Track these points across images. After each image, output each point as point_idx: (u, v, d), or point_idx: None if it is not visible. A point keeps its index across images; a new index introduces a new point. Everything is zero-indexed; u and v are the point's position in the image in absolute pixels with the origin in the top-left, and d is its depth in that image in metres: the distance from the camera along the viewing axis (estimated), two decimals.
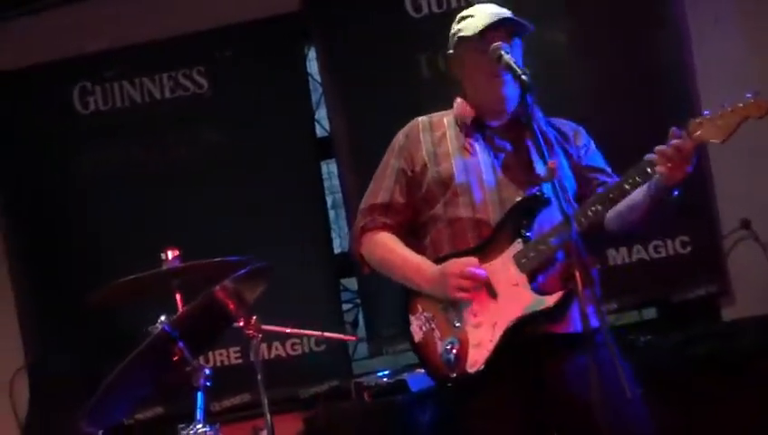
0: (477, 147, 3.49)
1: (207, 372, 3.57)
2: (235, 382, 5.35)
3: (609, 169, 3.57)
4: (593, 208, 3.28)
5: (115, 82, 5.75)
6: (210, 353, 5.50)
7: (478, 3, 3.58)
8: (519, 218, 3.36)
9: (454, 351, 3.31)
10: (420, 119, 3.62)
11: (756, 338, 4.75)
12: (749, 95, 3.08)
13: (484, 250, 3.38)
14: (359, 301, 5.79)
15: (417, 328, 3.44)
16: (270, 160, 5.65)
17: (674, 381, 4.58)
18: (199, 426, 3.40)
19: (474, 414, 3.34)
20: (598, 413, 2.98)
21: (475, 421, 3.34)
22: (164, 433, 4.80)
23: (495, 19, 3.42)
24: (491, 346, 3.30)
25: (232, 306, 3.67)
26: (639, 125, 5.18)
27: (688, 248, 5.36)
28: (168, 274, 3.92)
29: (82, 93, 5.77)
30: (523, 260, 3.33)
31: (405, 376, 4.88)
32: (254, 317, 3.81)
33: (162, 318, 3.61)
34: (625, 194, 3.27)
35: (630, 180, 3.25)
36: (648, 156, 3.22)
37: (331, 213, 5.82)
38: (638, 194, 3.30)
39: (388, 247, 3.52)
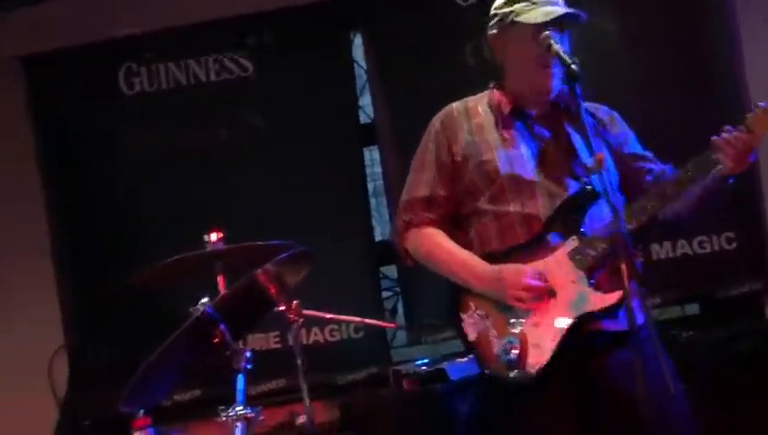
0: (518, 137, 3.45)
1: (248, 355, 3.57)
2: (273, 367, 5.35)
3: (649, 154, 3.53)
4: (651, 204, 3.24)
5: (160, 63, 5.75)
6: (248, 337, 5.50)
7: None
8: (570, 214, 3.33)
9: (514, 351, 3.29)
10: (454, 105, 3.58)
11: None
12: None
13: (536, 246, 3.34)
14: (398, 289, 5.77)
15: (470, 326, 3.41)
16: (312, 146, 5.64)
17: (716, 377, 4.54)
18: (240, 408, 3.39)
19: (534, 413, 3.31)
20: (641, 408, 2.95)
21: (535, 420, 3.31)
22: (201, 415, 4.83)
23: (558, 15, 3.36)
24: (552, 345, 3.27)
25: (273, 290, 3.66)
26: (686, 116, 5.16)
27: (734, 244, 5.31)
28: (211, 256, 3.93)
29: (128, 74, 5.78)
30: (578, 257, 3.29)
31: (444, 365, 4.86)
32: (296, 302, 3.80)
33: (204, 300, 3.61)
34: (684, 190, 3.23)
35: (689, 174, 3.21)
36: (708, 151, 3.19)
37: (372, 200, 5.81)
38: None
39: (434, 243, 3.49)
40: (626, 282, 2.99)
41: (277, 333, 5.54)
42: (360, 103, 5.83)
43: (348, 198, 5.64)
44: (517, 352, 3.28)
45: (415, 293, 5.57)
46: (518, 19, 3.43)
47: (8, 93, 5.78)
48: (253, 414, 3.43)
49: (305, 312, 3.79)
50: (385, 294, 5.77)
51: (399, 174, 5.41)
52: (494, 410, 3.47)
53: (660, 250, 5.35)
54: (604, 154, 3.36)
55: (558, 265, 3.31)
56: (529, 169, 3.40)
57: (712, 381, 4.45)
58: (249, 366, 3.57)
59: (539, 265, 3.32)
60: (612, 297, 3.22)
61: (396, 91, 5.60)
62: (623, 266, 3.00)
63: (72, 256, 5.80)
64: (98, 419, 5.38)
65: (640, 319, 3.10)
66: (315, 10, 5.67)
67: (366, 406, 4.85)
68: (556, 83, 3.38)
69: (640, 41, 5.41)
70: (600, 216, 3.29)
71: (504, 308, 3.35)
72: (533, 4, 3.42)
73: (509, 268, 3.34)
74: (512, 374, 3.29)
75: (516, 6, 3.46)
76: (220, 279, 3.95)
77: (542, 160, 3.42)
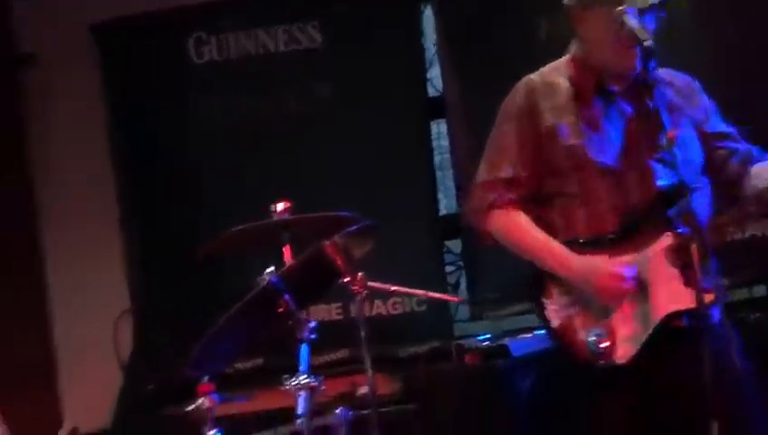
0: (602, 117, 3.39)
1: (312, 325, 3.59)
2: (335, 338, 5.36)
3: (734, 132, 3.47)
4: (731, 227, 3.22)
5: (230, 33, 5.77)
6: (311, 308, 5.52)
7: None
8: (665, 207, 3.27)
9: (603, 343, 3.27)
10: (534, 80, 3.49)
11: None
12: None
13: (629, 238, 3.30)
14: (461, 264, 5.76)
15: (553, 313, 3.38)
16: (379, 118, 5.62)
17: None
18: (304, 377, 3.41)
19: (617, 403, 3.31)
20: (710, 389, 2.93)
21: (618, 410, 3.31)
22: (263, 383, 4.86)
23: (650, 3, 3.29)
24: (643, 338, 3.24)
25: (339, 262, 3.66)
26: (758, 99, 5.07)
27: None
28: (278, 226, 3.93)
29: (198, 43, 5.80)
30: (671, 253, 3.24)
31: (506, 341, 4.85)
32: (360, 273, 3.80)
33: (270, 270, 3.63)
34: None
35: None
36: None
37: (438, 174, 5.79)
38: None
39: (520, 228, 3.44)
40: (696, 261, 2.96)
41: (340, 304, 5.55)
42: (429, 76, 5.80)
43: (413, 171, 5.63)
44: (607, 344, 3.26)
45: (478, 268, 5.56)
46: None
47: (79, 62, 5.83)
48: (316, 383, 3.45)
49: (370, 284, 3.78)
50: (448, 268, 5.77)
51: (467, 148, 5.44)
52: (570, 396, 3.46)
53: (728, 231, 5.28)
54: (687, 132, 3.31)
55: (653, 259, 3.27)
56: (615, 154, 3.34)
57: None
58: (313, 336, 3.60)
59: (630, 259, 3.29)
60: (702, 297, 3.17)
61: (466, 64, 5.56)
62: (694, 246, 2.97)
63: (139, 223, 5.85)
64: (161, 383, 5.44)
65: (717, 315, 3.08)
66: None
67: (427, 380, 4.85)
68: (637, 61, 3.32)
69: (713, 20, 5.33)
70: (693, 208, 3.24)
71: (591, 299, 3.32)
72: None
73: (601, 262, 3.30)
74: (599, 363, 3.27)
75: None
76: (286, 249, 3.96)
77: (627, 143, 3.35)
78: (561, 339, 3.38)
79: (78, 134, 5.83)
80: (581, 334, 3.32)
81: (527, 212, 3.46)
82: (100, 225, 5.82)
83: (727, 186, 3.45)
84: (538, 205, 3.47)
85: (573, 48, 3.50)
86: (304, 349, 3.54)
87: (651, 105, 3.28)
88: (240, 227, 4.00)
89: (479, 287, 5.55)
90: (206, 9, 5.76)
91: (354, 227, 3.59)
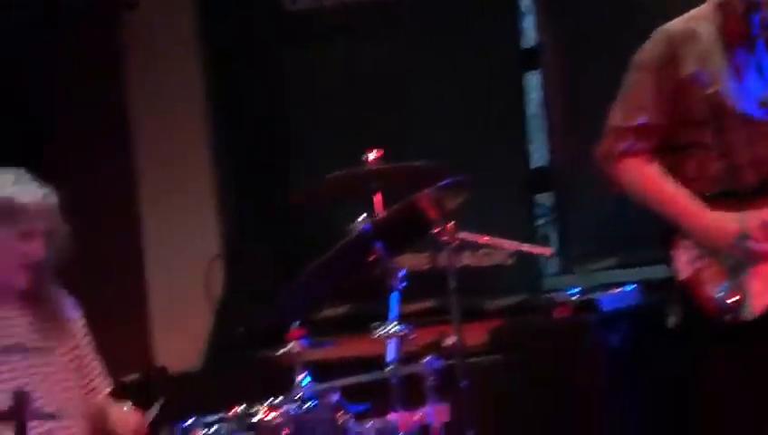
0: (745, 65, 3.30)
1: (402, 273, 3.60)
2: (422, 288, 5.34)
3: None
4: None
5: None
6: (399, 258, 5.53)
7: None
8: None
9: (734, 298, 3.24)
10: (673, 28, 3.41)
11: None
12: None
13: (762, 194, 3.25)
14: (552, 217, 5.72)
15: (682, 265, 3.35)
16: (472, 68, 5.58)
17: None
18: (393, 325, 3.43)
19: (739, 358, 3.29)
20: None
21: (738, 366, 3.29)
22: (351, 330, 4.90)
23: None
24: None
25: (431, 213, 3.67)
26: None
27: None
28: (370, 174, 3.94)
29: None
30: None
31: (596, 295, 4.82)
32: (451, 224, 3.80)
33: (362, 217, 3.64)
34: None
35: None
36: None
37: (531, 126, 5.74)
38: None
39: (650, 179, 3.40)
40: None
41: (428, 254, 5.55)
42: (523, 26, 5.73)
43: (506, 122, 5.58)
44: (736, 298, 3.23)
45: (569, 222, 5.52)
46: None
47: (178, 5, 5.87)
48: (405, 332, 3.47)
49: (461, 235, 3.78)
50: (538, 222, 5.73)
51: (561, 100, 5.38)
52: (666, 351, 3.42)
53: None
54: None
55: None
56: (757, 105, 3.28)
57: None
58: (402, 285, 3.61)
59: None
60: None
61: (560, 14, 5.49)
62: None
63: (233, 167, 5.91)
64: (251, 327, 5.51)
65: None
66: None
67: (515, 332, 4.84)
68: None
69: None
70: None
71: (721, 253, 3.28)
72: None
73: (750, 215, 3.25)
74: (726, 317, 3.24)
75: None
76: (377, 198, 3.97)
77: None
78: (689, 292, 3.34)
79: (174, 78, 5.88)
80: (710, 288, 3.29)
81: (659, 162, 3.40)
82: (195, 169, 5.88)
83: None
84: (671, 155, 3.41)
85: None
86: (394, 297, 3.56)
87: None
88: (332, 175, 4.02)
89: (569, 241, 5.52)
90: None
91: (447, 181, 3.59)
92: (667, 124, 3.38)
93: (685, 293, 3.35)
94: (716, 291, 3.28)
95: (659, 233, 3.40)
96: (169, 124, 5.89)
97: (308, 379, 3.49)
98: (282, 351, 3.54)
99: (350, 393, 3.45)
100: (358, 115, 5.65)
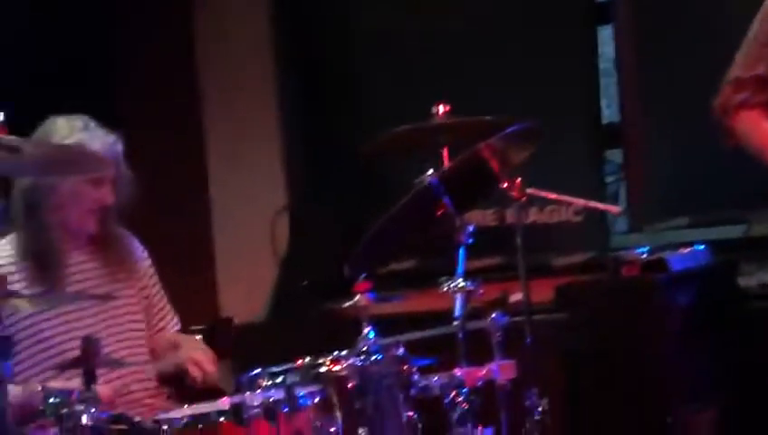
0: None
1: (470, 229, 3.58)
2: (488, 244, 5.32)
3: None
4: None
5: None
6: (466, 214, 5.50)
7: None
8: None
9: None
10: None
11: None
12: None
13: None
14: (621, 175, 5.66)
15: None
16: (543, 23, 5.51)
17: None
18: (460, 281, 3.43)
19: None
20: None
21: None
22: (416, 285, 4.89)
23: None
24: None
25: (497, 166, 3.63)
26: None
27: None
28: (438, 128, 3.92)
29: None
30: None
31: (664, 254, 4.75)
32: (519, 179, 3.76)
33: (429, 172, 3.62)
34: None
35: None
36: None
37: (602, 81, 5.66)
38: None
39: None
40: None
41: (495, 210, 5.52)
42: None
43: (577, 77, 5.52)
44: None
45: (639, 180, 5.45)
46: None
47: None
48: (472, 288, 3.45)
49: (529, 191, 3.74)
50: (608, 179, 5.67)
51: (634, 55, 5.30)
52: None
53: None
54: None
55: None
56: None
57: None
58: (470, 241, 3.59)
59: None
60: None
61: None
62: None
63: (300, 121, 5.91)
64: (316, 280, 5.53)
65: None
66: None
67: (582, 290, 4.80)
68: None
69: None
70: None
71: None
72: None
73: None
74: None
75: None
76: (445, 152, 3.95)
77: None
78: None
79: (243, 31, 5.88)
80: None
81: None
82: (262, 122, 5.90)
83: None
84: None
85: None
86: (461, 252, 3.55)
87: None
88: (400, 128, 4.00)
89: (639, 199, 5.45)
90: None
91: (513, 129, 3.55)
92: None
93: None
94: None
95: (738, 194, 3.33)
96: (237, 77, 5.90)
97: (372, 333, 3.49)
98: (347, 304, 3.54)
99: (415, 348, 3.44)
100: (427, 70, 5.61)
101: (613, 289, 4.72)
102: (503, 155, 3.62)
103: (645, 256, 4.75)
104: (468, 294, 3.48)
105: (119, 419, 3.15)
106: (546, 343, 3.66)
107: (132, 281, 3.84)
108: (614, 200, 5.65)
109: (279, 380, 3.16)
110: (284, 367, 3.21)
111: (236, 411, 3.04)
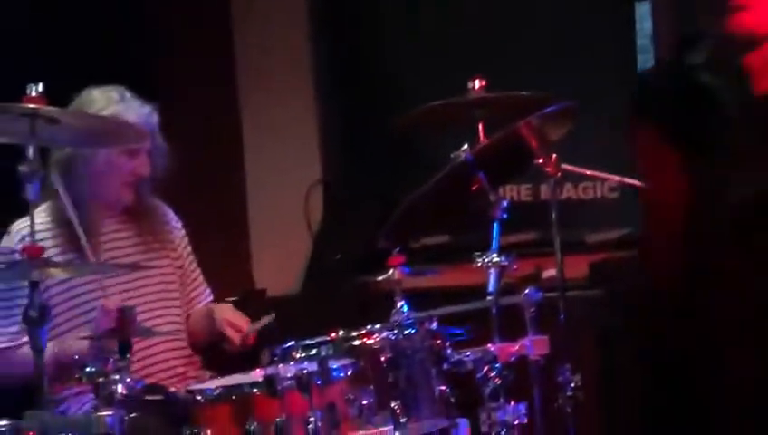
0: None
1: (505, 204, 3.58)
2: (522, 219, 5.31)
3: None
4: None
5: None
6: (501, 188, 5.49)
7: None
8: None
9: None
10: None
11: None
12: None
13: None
14: None
15: None
16: None
17: None
18: (495, 256, 3.42)
19: None
20: None
21: None
22: (449, 260, 4.89)
23: None
24: None
25: (534, 143, 3.63)
26: None
27: None
28: (474, 102, 3.92)
29: None
30: None
31: None
32: (555, 155, 3.75)
33: (464, 147, 3.62)
34: None
35: None
36: None
37: (640, 57, 5.62)
38: None
39: None
40: None
41: (529, 185, 5.51)
42: None
43: (614, 53, 5.48)
44: None
45: None
46: None
47: None
48: (506, 263, 3.45)
49: (565, 166, 3.73)
50: None
51: (672, 30, 5.25)
52: None
53: None
54: None
55: None
56: None
57: None
58: (505, 216, 3.59)
59: None
60: None
61: None
62: None
63: (335, 94, 5.91)
64: (349, 253, 5.54)
65: None
66: None
67: (616, 267, 4.78)
68: None
69: None
70: None
71: None
72: None
73: None
74: None
75: None
76: (480, 127, 3.94)
77: None
78: None
79: (279, 4, 5.88)
80: None
81: None
82: (297, 95, 5.89)
83: None
84: None
85: None
86: (496, 227, 3.54)
87: None
88: (435, 103, 4.00)
89: None
90: None
91: (552, 108, 3.53)
92: None
93: None
94: None
95: None
96: (273, 50, 5.89)
97: (406, 307, 3.50)
98: (381, 277, 3.55)
99: (449, 322, 3.44)
100: (463, 44, 5.59)
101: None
102: (541, 133, 3.61)
103: None
104: (502, 270, 3.48)
105: (153, 389, 3.18)
106: (579, 319, 3.65)
107: (166, 251, 3.87)
108: None
109: (312, 352, 3.18)
110: (318, 340, 3.23)
111: (270, 383, 3.05)
